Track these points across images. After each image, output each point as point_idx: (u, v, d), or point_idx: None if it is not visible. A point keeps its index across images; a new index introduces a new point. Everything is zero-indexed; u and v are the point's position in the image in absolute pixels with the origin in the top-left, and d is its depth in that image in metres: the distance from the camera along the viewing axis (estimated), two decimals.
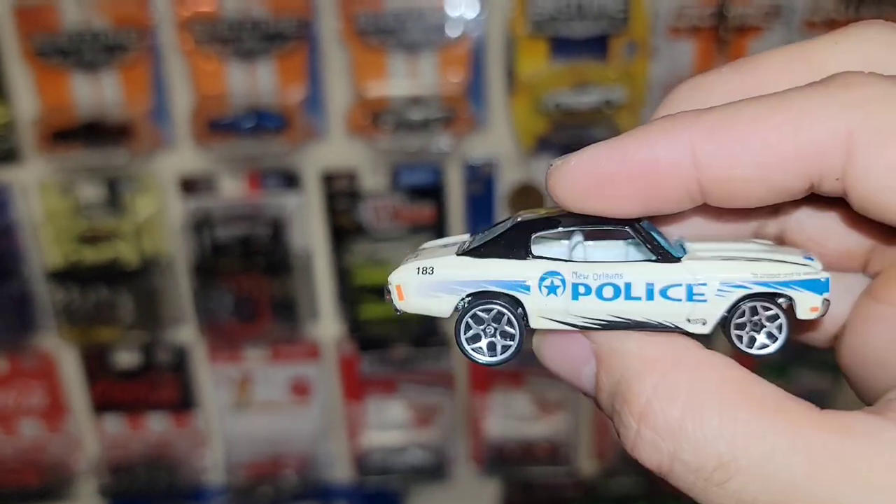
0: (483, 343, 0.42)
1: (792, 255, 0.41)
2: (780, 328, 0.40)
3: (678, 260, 0.40)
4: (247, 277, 1.53)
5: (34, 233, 1.55)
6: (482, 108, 1.46)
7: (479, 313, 0.41)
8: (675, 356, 0.36)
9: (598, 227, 0.40)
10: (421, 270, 0.42)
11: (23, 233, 1.56)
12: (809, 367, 1.60)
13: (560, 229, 0.41)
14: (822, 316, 0.40)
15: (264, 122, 1.41)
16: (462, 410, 1.71)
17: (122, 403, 1.70)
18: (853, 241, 0.42)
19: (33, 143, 1.46)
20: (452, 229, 1.55)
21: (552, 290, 0.40)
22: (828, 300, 0.40)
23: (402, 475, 1.70)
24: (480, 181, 1.51)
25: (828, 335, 0.44)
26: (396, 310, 0.42)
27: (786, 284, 0.39)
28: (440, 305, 0.42)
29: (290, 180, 1.52)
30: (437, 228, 1.53)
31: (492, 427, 1.70)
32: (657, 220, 0.42)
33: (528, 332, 0.41)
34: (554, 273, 0.40)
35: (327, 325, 1.65)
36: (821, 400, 0.42)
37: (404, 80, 1.44)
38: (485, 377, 1.65)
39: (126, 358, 1.66)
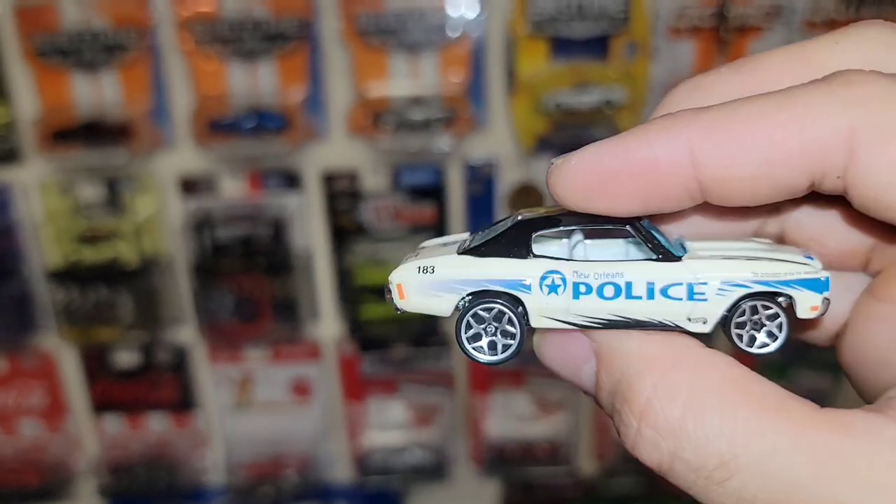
0: (484, 342, 0.42)
1: (792, 254, 0.41)
2: (780, 327, 0.40)
3: (679, 259, 0.40)
4: (247, 278, 1.53)
5: (34, 233, 1.55)
6: (482, 109, 1.46)
7: (480, 312, 0.41)
8: (675, 355, 0.36)
9: (599, 226, 0.40)
10: (422, 269, 0.42)
11: (23, 233, 1.56)
12: (809, 367, 1.60)
13: (560, 228, 0.41)
14: (823, 315, 0.40)
15: (265, 122, 1.41)
16: (462, 410, 1.70)
17: (122, 403, 1.69)
18: (853, 240, 0.42)
19: (33, 143, 1.46)
20: (453, 229, 1.55)
21: (553, 289, 0.40)
22: (828, 299, 0.40)
23: (403, 475, 1.70)
24: (481, 181, 1.51)
25: (828, 334, 0.44)
26: (397, 309, 0.42)
27: (786, 283, 0.39)
28: (441, 304, 0.42)
29: (291, 180, 1.52)
30: (438, 228, 1.53)
31: (492, 427, 1.70)
32: (657, 218, 0.42)
33: (528, 330, 0.41)
34: (555, 272, 0.40)
35: (328, 326, 1.65)
36: (821, 399, 0.41)
37: (405, 80, 1.44)
38: (485, 377, 1.65)
39: (126, 358, 1.66)
